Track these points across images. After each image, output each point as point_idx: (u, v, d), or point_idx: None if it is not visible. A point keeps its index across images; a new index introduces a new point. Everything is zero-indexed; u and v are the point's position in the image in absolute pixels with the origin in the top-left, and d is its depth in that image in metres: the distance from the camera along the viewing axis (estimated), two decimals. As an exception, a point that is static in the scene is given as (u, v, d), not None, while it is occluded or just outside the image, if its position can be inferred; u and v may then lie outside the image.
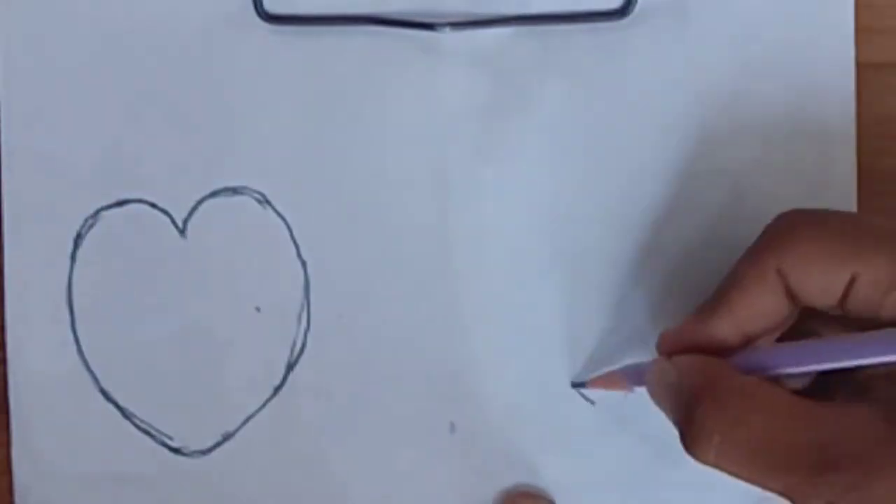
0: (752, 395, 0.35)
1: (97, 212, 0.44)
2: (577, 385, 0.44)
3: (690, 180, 0.44)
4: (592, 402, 0.44)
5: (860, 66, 0.43)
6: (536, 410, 0.44)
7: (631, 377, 0.42)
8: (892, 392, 0.34)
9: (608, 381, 0.43)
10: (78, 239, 0.44)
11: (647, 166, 0.44)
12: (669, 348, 0.39)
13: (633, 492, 0.44)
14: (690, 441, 0.36)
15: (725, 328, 0.37)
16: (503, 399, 0.44)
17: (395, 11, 0.43)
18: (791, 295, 0.37)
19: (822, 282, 0.36)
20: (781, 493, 0.35)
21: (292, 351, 0.44)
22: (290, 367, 0.44)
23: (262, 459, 0.44)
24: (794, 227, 0.37)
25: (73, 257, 0.44)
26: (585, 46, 0.44)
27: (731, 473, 0.36)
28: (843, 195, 0.44)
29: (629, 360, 0.43)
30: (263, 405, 0.44)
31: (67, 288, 0.44)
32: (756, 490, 0.41)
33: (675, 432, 0.43)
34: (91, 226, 0.44)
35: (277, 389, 0.44)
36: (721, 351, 0.37)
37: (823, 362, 0.35)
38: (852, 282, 0.36)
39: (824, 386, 0.37)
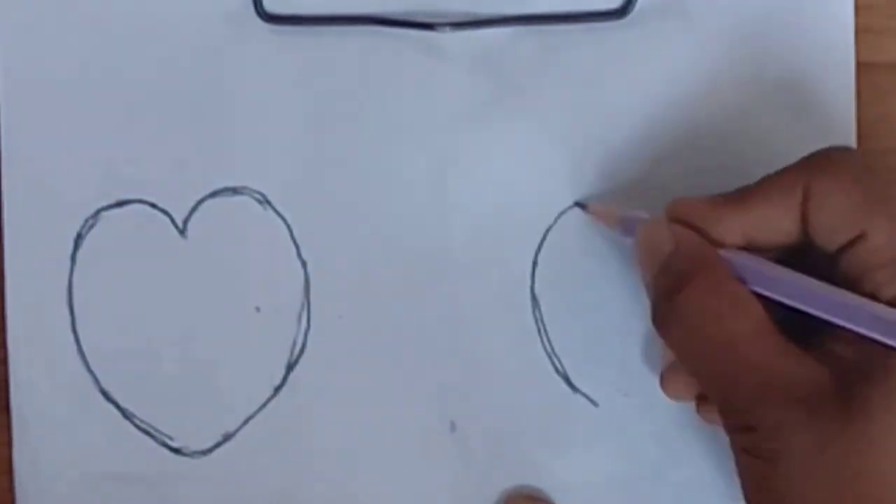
0: (737, 303, 0.36)
1: (97, 212, 0.44)
2: (579, 204, 0.44)
3: (691, 180, 0.44)
4: (596, 404, 0.44)
5: (860, 66, 0.44)
6: (537, 410, 0.44)
7: (628, 225, 0.41)
8: (845, 357, 0.35)
9: (607, 214, 0.43)
10: (78, 239, 0.44)
11: (648, 166, 0.44)
12: (674, 215, 0.39)
13: (633, 492, 0.44)
14: (661, 318, 0.37)
15: (734, 224, 0.38)
16: (504, 399, 0.44)
17: (395, 11, 0.43)
18: (805, 220, 0.37)
19: (834, 220, 0.36)
20: (717, 403, 0.36)
21: (292, 351, 0.44)
22: (290, 367, 0.44)
23: (262, 460, 0.44)
24: (835, 159, 0.37)
25: (73, 258, 0.44)
26: (585, 47, 0.44)
27: (681, 360, 0.37)
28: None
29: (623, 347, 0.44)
30: (263, 405, 0.44)
31: (68, 288, 0.44)
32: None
33: (675, 433, 0.43)
34: (91, 226, 0.44)
35: (277, 389, 0.44)
36: (718, 244, 0.38)
37: (811, 306, 0.36)
38: (858, 238, 0.36)
39: (788, 326, 0.37)
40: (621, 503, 0.44)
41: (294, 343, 0.44)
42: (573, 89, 0.44)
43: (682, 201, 0.39)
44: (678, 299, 0.36)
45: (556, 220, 0.44)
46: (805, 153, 0.43)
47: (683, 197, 0.39)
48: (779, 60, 0.44)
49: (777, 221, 0.37)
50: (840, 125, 0.44)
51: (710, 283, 0.36)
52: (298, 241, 0.44)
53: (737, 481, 0.36)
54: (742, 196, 0.38)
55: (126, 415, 0.44)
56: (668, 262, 0.37)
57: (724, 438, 0.37)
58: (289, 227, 0.44)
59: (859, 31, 0.43)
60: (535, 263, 0.44)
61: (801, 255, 0.38)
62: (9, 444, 0.44)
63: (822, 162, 0.37)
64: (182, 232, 0.44)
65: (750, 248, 0.38)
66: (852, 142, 0.43)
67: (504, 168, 0.44)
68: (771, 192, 0.37)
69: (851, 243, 0.36)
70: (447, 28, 0.42)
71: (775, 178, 0.38)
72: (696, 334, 0.36)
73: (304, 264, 0.44)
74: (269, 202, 0.44)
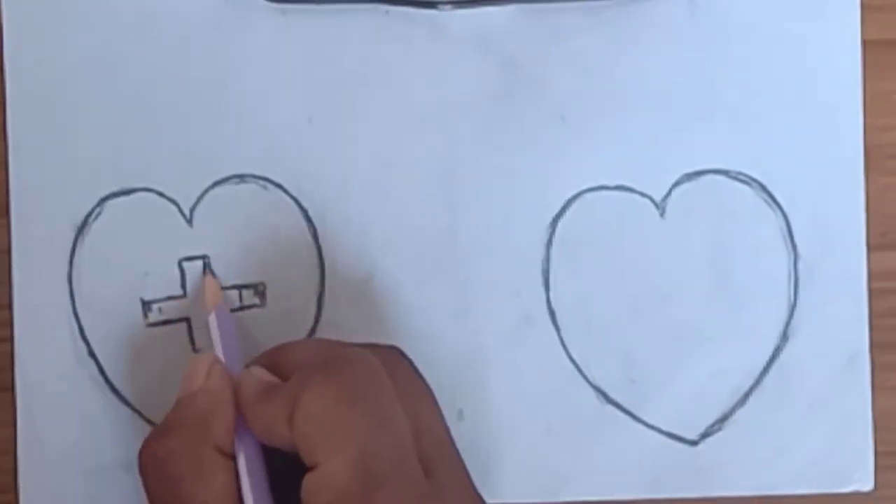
0: (202, 468, 0.37)
1: (103, 200, 0.44)
2: (206, 266, 0.44)
3: (698, 161, 0.44)
4: (602, 392, 0.44)
5: (866, 44, 0.44)
6: (544, 398, 0.44)
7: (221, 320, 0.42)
8: None
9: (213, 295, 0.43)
10: (83, 227, 0.44)
11: (657, 150, 0.44)
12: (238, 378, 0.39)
13: (639, 480, 0.44)
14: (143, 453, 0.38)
15: (260, 418, 0.37)
16: (511, 387, 0.44)
17: (398, -10, 0.43)
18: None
19: (303, 442, 0.36)
20: None
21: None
22: (299, 356, 0.44)
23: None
24: (331, 371, 0.36)
25: (78, 245, 0.44)
26: (589, 29, 0.44)
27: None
28: (850, 171, 0.44)
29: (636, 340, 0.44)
30: (270, 393, 0.44)
31: (72, 277, 0.44)
32: (764, 480, 0.42)
33: (681, 422, 0.43)
34: (98, 214, 0.44)
35: (285, 378, 0.44)
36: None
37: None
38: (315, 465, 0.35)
39: None
40: (626, 490, 0.44)
41: (303, 333, 0.44)
42: (581, 73, 0.44)
43: (248, 379, 0.38)
44: (161, 443, 0.37)
45: (564, 206, 0.44)
46: (812, 130, 0.43)
47: (254, 371, 0.39)
48: (786, 38, 0.44)
49: (279, 428, 0.36)
50: (847, 101, 0.44)
51: (193, 441, 0.37)
52: (306, 230, 0.44)
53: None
54: (270, 394, 0.37)
55: (129, 403, 0.44)
56: (184, 399, 0.38)
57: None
58: (296, 215, 0.44)
59: (865, 9, 0.44)
60: (543, 249, 0.44)
61: None
62: (11, 424, 0.44)
63: (316, 375, 0.36)
64: (189, 220, 0.44)
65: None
66: (859, 118, 0.44)
67: (511, 152, 0.44)
68: (280, 394, 0.36)
69: (311, 467, 0.35)
70: (448, 6, 0.42)
71: (290, 384, 0.37)
72: (164, 484, 0.37)
73: (312, 252, 0.44)
74: (276, 189, 0.44)
